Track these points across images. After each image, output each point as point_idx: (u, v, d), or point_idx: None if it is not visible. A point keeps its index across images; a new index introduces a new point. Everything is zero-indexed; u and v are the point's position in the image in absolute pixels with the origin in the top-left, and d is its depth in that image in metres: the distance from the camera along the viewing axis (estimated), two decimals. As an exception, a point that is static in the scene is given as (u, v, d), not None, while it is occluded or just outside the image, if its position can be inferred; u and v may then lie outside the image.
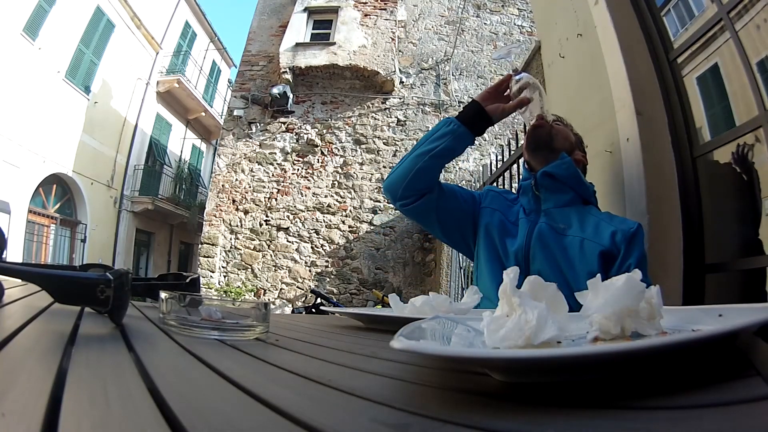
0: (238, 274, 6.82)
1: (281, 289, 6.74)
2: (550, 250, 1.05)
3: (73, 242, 9.48)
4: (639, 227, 1.08)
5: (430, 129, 1.19)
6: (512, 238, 1.13)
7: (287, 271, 6.79)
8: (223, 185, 7.18)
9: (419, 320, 0.38)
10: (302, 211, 6.90)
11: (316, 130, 7.14)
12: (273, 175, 7.07)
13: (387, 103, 7.37)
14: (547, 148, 1.14)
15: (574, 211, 1.11)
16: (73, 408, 0.20)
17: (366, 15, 7.75)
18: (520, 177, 1.29)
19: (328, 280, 6.62)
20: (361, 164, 7.05)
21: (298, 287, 6.68)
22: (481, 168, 4.68)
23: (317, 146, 7.10)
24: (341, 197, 6.93)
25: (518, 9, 8.14)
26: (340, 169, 7.01)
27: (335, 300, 5.65)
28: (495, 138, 6.91)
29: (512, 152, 2.82)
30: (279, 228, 6.90)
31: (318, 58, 7.18)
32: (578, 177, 1.15)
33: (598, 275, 0.36)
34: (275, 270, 6.80)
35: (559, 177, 1.12)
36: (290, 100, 6.95)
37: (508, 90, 1.10)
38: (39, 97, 8.11)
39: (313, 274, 6.71)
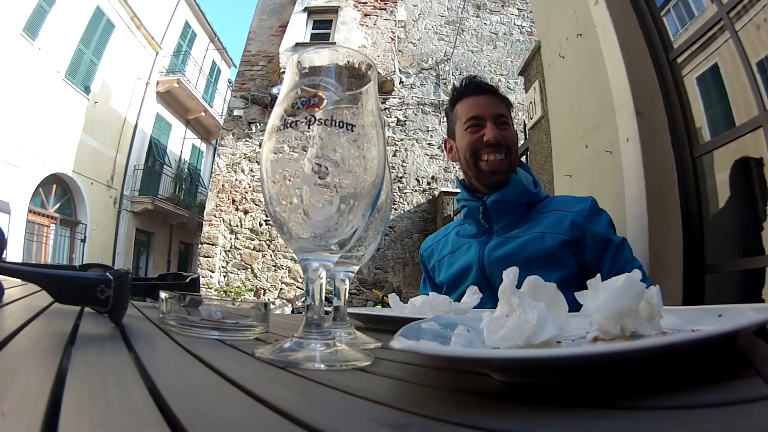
0: (238, 274, 6.82)
1: (281, 289, 6.74)
2: (507, 259, 1.04)
3: (73, 242, 9.48)
4: (592, 201, 1.08)
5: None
6: (461, 267, 1.12)
7: (287, 271, 6.79)
8: (223, 185, 7.18)
9: (419, 320, 0.38)
10: (302, 211, 6.91)
11: (316, 130, 7.14)
12: (273, 175, 7.08)
13: (387, 103, 7.37)
14: (507, 179, 1.11)
15: (527, 218, 1.10)
16: (73, 408, 0.20)
17: (366, 15, 7.75)
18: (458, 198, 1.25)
19: (327, 280, 6.63)
20: (361, 164, 7.06)
21: (298, 287, 6.68)
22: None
23: (317, 146, 7.10)
24: (341, 197, 6.94)
25: (518, 9, 8.14)
26: (340, 169, 7.02)
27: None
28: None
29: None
30: (279, 228, 6.91)
31: (318, 58, 7.18)
32: (528, 191, 1.11)
33: (598, 275, 0.36)
34: (275, 270, 6.80)
35: (511, 200, 1.09)
36: (290, 100, 6.94)
37: None
38: (39, 97, 8.11)
39: (313, 274, 6.71)
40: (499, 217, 1.10)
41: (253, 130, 7.32)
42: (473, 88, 1.17)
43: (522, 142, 2.51)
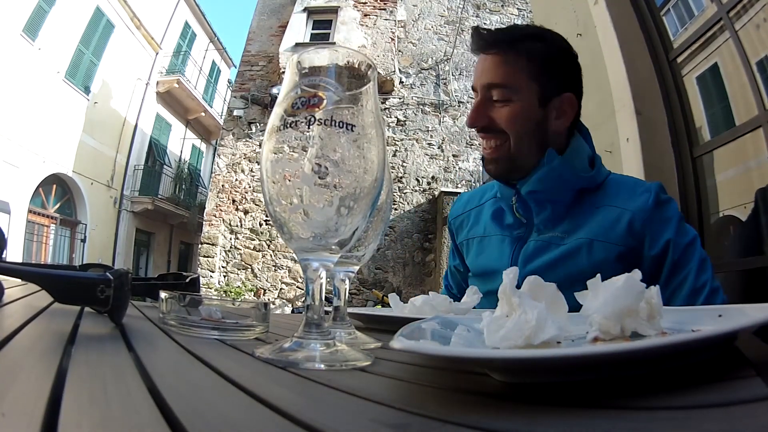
0: (238, 274, 6.82)
1: (281, 289, 6.74)
2: (546, 271, 0.81)
3: (73, 242, 9.48)
4: (657, 192, 0.85)
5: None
6: (489, 265, 0.93)
7: (287, 270, 6.79)
8: (223, 185, 7.18)
9: (419, 320, 0.38)
10: (302, 211, 6.92)
11: (316, 130, 7.15)
12: (273, 175, 7.10)
13: (387, 103, 7.37)
14: (516, 169, 0.88)
15: (576, 211, 0.87)
16: (73, 408, 0.20)
17: (366, 15, 7.75)
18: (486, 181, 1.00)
19: (327, 280, 6.64)
20: (361, 164, 7.07)
21: (298, 287, 6.68)
22: (481, 168, 4.68)
23: (317, 146, 7.11)
24: (341, 197, 6.95)
25: (518, 9, 8.14)
26: (340, 169, 7.03)
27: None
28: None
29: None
30: (279, 228, 6.92)
31: (318, 58, 7.19)
32: (575, 175, 0.87)
33: (598, 275, 0.36)
34: (275, 270, 6.80)
35: (550, 188, 0.86)
36: (290, 100, 6.96)
37: None
38: (39, 97, 8.11)
39: (313, 274, 6.72)
40: (540, 207, 0.87)
41: (253, 130, 7.32)
42: (474, 44, 0.90)
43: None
